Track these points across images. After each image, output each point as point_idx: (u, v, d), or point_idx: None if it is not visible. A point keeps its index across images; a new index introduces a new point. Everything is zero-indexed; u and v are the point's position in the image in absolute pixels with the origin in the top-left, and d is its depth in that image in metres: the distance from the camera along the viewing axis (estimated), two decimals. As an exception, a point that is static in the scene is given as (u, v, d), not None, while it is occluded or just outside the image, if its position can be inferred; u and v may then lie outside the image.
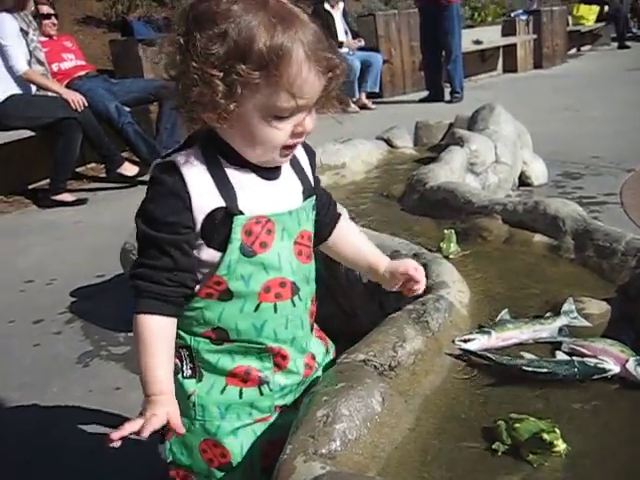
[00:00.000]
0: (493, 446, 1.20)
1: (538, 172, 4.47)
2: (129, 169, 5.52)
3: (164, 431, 1.18)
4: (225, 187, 1.13)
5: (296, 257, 1.22)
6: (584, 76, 9.91)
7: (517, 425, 1.21)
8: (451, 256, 2.15)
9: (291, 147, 1.14)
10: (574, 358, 1.46)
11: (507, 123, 4.00)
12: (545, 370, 1.43)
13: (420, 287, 1.41)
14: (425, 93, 9.00)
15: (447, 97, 8.71)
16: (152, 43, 6.44)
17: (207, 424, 1.22)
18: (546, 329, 1.61)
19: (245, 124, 1.09)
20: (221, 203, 1.12)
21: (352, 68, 7.90)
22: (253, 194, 1.16)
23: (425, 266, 1.88)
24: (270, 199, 1.18)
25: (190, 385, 1.22)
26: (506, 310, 1.68)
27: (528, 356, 1.50)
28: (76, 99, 5.13)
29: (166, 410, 1.12)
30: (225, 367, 1.21)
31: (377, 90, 8.79)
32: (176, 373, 1.20)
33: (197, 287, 1.17)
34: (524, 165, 4.35)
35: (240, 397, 1.22)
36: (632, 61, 10.93)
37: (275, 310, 1.20)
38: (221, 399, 1.22)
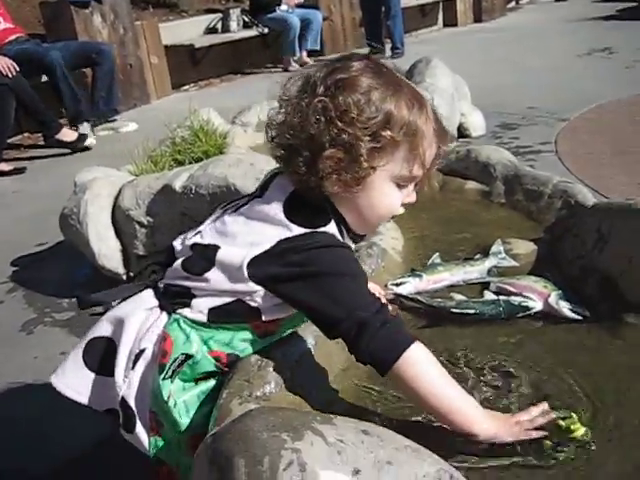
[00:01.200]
0: None
1: (476, 124, 4.53)
2: (67, 135, 5.40)
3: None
4: None
5: None
6: (523, 28, 9.99)
7: None
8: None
9: (396, 216, 1.22)
10: (500, 297, 1.53)
11: (444, 76, 4.04)
12: (472, 311, 1.49)
13: None
14: (366, 50, 8.97)
15: (388, 53, 8.71)
16: (85, 5, 6.24)
17: (195, 420, 1.20)
18: (476, 270, 1.67)
19: (373, 190, 1.14)
20: None
21: (291, 26, 7.81)
22: None
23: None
24: None
25: (166, 385, 1.19)
26: (437, 254, 1.73)
27: (457, 297, 1.56)
28: (6, 64, 4.97)
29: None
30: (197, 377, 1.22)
31: (318, 48, 8.70)
32: (159, 373, 1.19)
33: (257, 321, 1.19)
34: (462, 117, 4.41)
35: (216, 380, 1.23)
36: (569, 13, 11.05)
37: None
38: (198, 390, 1.22)
